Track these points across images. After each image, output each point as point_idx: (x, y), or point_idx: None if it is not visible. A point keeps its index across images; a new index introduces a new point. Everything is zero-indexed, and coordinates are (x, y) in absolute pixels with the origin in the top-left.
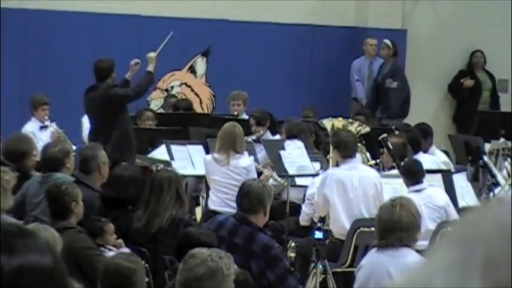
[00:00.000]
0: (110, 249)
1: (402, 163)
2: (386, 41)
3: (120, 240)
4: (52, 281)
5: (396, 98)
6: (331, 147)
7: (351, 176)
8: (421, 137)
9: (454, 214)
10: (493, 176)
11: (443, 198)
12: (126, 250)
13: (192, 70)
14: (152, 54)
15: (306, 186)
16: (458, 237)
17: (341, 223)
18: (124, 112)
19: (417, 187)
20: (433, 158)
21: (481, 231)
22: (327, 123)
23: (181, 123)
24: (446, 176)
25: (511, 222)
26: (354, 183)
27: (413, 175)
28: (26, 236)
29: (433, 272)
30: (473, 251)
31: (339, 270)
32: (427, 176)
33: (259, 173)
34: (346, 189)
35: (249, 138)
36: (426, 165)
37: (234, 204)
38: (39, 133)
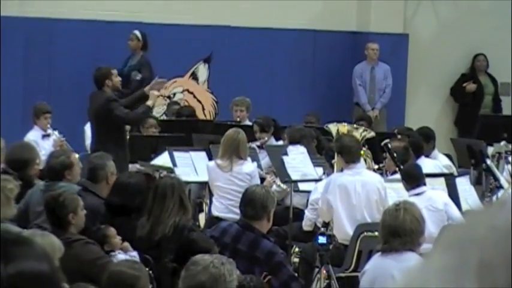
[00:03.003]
0: (119, 253)
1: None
2: (136, 32)
3: (126, 244)
4: (49, 287)
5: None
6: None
7: (354, 182)
8: (422, 141)
9: (455, 214)
10: (496, 179)
11: (442, 200)
12: (134, 254)
13: (194, 77)
14: (156, 92)
15: (309, 192)
16: (453, 241)
17: (344, 228)
18: (118, 124)
19: (417, 190)
20: (435, 163)
21: (476, 235)
22: (332, 128)
23: (184, 130)
24: (450, 180)
25: (506, 225)
26: (357, 189)
27: (413, 179)
28: (23, 243)
29: (428, 275)
30: (468, 254)
31: (343, 275)
32: (430, 180)
33: (262, 179)
34: (349, 194)
35: (253, 145)
36: (428, 170)
37: (238, 210)
38: (41, 142)
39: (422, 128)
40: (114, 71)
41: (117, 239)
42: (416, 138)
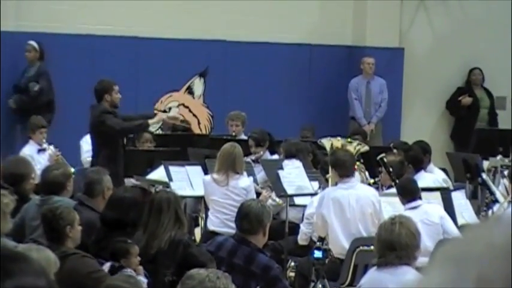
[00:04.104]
0: (131, 272)
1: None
2: (32, 42)
3: (141, 267)
4: None
5: (42, 102)
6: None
7: (348, 196)
8: (422, 155)
9: (450, 227)
10: (492, 193)
11: (438, 213)
12: (143, 280)
13: (190, 91)
14: (164, 116)
15: (304, 206)
16: (451, 257)
17: (340, 243)
18: (112, 137)
19: (413, 204)
20: (434, 177)
21: (474, 251)
22: (326, 142)
23: (180, 144)
24: (445, 194)
25: (504, 242)
26: (351, 203)
27: (408, 193)
28: (21, 259)
29: None
30: (466, 270)
31: None
32: (426, 194)
33: (258, 194)
34: (343, 208)
35: (248, 159)
36: (427, 184)
37: (233, 225)
38: (37, 156)
39: (418, 142)
40: (116, 87)
41: (136, 260)
42: (416, 152)
